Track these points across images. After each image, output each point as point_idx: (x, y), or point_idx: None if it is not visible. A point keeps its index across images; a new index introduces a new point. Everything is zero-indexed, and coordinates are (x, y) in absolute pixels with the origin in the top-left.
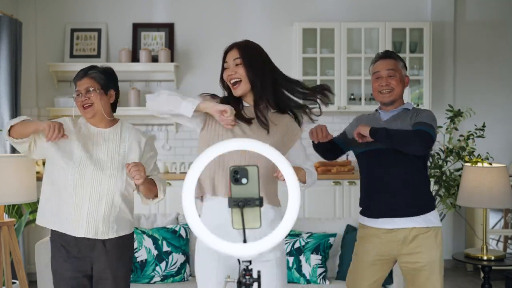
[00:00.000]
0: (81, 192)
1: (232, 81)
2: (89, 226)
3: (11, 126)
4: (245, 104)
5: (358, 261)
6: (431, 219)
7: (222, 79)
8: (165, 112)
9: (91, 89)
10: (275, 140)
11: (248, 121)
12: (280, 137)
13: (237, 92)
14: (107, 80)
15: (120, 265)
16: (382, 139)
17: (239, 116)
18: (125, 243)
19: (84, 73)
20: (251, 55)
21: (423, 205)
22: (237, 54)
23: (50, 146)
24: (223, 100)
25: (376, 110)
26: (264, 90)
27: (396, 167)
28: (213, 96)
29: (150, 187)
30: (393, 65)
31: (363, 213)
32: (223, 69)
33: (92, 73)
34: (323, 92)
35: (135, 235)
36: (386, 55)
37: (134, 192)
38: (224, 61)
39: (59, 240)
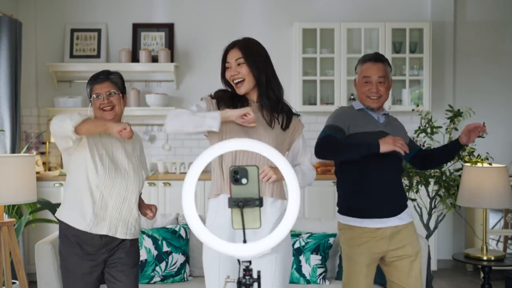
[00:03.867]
0: (108, 195)
1: (236, 81)
2: (111, 225)
3: (82, 122)
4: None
5: (355, 265)
6: (407, 215)
7: (223, 78)
8: (190, 131)
9: (114, 92)
10: (277, 133)
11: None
12: (281, 131)
13: (240, 91)
14: (123, 86)
15: (131, 267)
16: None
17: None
18: (135, 247)
19: (105, 77)
20: (253, 52)
21: (404, 204)
22: (239, 53)
23: (88, 148)
24: (227, 94)
25: (361, 109)
26: (269, 85)
27: (388, 170)
28: (216, 95)
29: None
30: (383, 72)
31: (348, 213)
32: (225, 68)
33: (113, 78)
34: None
35: None
36: (377, 58)
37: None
38: (225, 60)
39: (74, 238)
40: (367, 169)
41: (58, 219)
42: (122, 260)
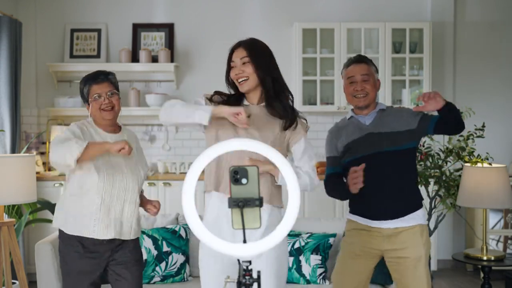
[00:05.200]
0: (109, 199)
1: (240, 80)
2: (116, 228)
3: (82, 154)
4: (245, 103)
5: (344, 254)
6: (415, 217)
7: (228, 78)
8: (180, 122)
9: (114, 92)
10: (274, 136)
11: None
12: (280, 133)
13: (244, 88)
14: (118, 86)
15: (135, 264)
16: (452, 112)
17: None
18: (138, 245)
19: (105, 77)
20: (258, 52)
21: (411, 204)
22: (244, 52)
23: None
24: (225, 99)
25: (351, 117)
26: (273, 84)
27: (388, 171)
28: (217, 94)
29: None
30: (367, 70)
31: (354, 212)
32: (230, 68)
33: (112, 78)
34: (294, 118)
35: None
36: (359, 59)
37: None
38: (230, 60)
39: (76, 237)
40: (369, 173)
41: (60, 230)
42: (127, 258)
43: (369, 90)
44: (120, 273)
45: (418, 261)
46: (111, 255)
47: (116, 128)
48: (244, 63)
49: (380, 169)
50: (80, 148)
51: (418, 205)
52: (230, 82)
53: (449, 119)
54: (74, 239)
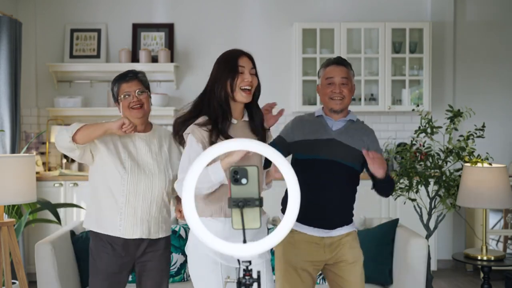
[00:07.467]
0: (134, 198)
1: (247, 87)
2: (143, 228)
3: (77, 131)
4: (233, 121)
5: (288, 268)
6: (352, 225)
7: (228, 83)
8: (209, 192)
9: (143, 91)
10: None
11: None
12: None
13: (247, 98)
14: (148, 85)
15: (160, 272)
16: (388, 183)
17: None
18: (167, 248)
19: (133, 75)
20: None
21: (351, 216)
22: (251, 64)
23: (108, 154)
24: (211, 124)
25: (320, 115)
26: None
27: (340, 181)
28: (198, 125)
29: None
30: (346, 73)
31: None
32: (235, 73)
33: (141, 76)
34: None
35: None
36: (339, 61)
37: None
38: (236, 65)
39: (106, 237)
40: (320, 178)
41: (88, 230)
42: (154, 265)
43: (346, 94)
44: (142, 280)
45: (355, 263)
46: (141, 257)
47: (147, 127)
48: (251, 74)
49: (336, 180)
50: (77, 126)
51: (351, 220)
52: (224, 87)
53: (382, 188)
54: (105, 239)
